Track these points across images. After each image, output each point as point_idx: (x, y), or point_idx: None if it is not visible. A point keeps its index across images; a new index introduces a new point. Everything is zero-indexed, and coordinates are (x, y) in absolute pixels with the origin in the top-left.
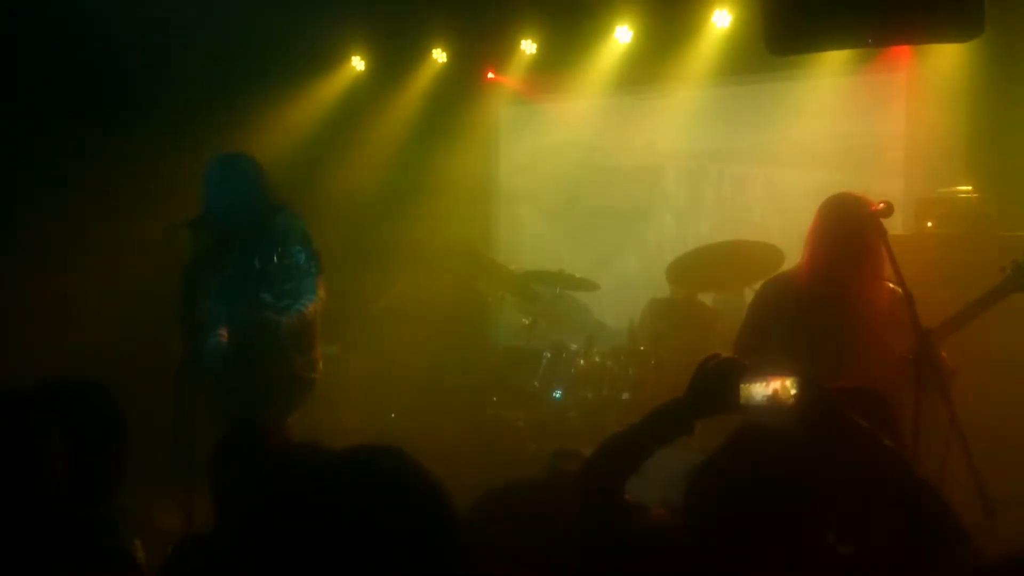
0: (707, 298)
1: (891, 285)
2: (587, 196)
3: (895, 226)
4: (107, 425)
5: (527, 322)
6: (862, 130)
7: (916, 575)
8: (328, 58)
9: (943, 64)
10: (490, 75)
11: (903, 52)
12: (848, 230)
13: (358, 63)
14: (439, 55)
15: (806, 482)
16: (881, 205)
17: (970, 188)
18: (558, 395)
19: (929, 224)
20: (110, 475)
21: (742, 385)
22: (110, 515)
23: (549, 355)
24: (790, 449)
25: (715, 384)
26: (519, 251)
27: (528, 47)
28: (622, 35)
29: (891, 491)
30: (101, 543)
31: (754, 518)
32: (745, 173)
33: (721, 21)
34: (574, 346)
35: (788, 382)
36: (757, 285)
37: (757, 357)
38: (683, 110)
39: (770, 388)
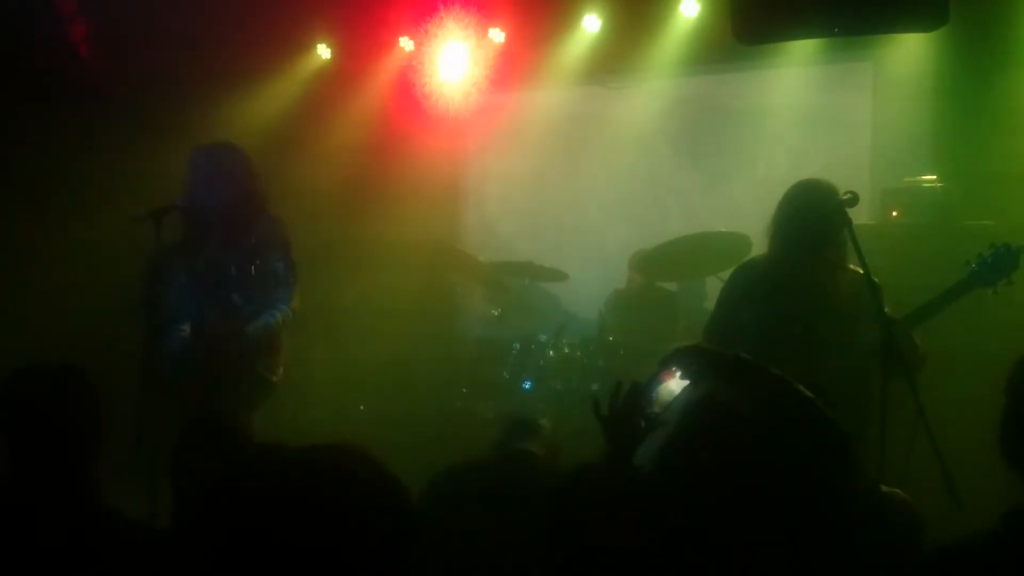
0: (669, 283)
1: (858, 271)
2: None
3: (861, 215)
4: (86, 408)
5: (496, 313)
6: (828, 120)
7: None
8: (292, 45)
9: (909, 55)
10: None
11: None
12: (809, 217)
13: (324, 51)
14: (406, 43)
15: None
16: (847, 195)
17: (935, 178)
18: (528, 386)
19: (894, 213)
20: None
21: (652, 400)
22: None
23: (518, 346)
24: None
25: (623, 421)
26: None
27: (496, 36)
28: (590, 24)
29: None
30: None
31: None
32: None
33: (689, 10)
34: (543, 337)
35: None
36: (724, 274)
37: (727, 341)
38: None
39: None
